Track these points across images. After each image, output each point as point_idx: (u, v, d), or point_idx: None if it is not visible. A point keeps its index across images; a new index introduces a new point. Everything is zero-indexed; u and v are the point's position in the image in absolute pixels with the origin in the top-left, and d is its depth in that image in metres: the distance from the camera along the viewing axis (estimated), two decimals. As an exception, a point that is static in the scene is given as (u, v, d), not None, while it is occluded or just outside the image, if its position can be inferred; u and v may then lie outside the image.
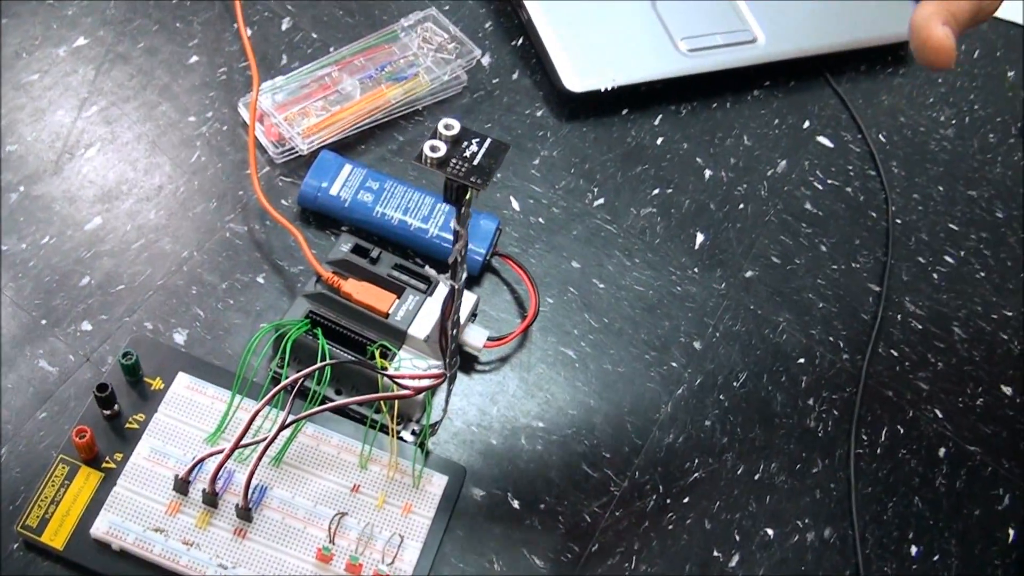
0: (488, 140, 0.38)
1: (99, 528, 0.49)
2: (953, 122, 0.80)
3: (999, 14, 0.90)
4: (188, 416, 0.53)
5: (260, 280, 0.60)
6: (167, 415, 0.53)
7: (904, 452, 0.61)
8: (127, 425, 0.52)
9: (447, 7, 0.73)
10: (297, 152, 0.64)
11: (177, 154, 0.63)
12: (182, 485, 0.50)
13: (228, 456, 0.49)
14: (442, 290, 0.58)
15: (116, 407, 0.52)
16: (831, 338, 0.65)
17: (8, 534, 0.50)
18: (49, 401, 0.54)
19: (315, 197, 0.62)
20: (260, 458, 0.49)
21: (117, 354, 0.53)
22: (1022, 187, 0.76)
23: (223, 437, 0.52)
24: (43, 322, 0.56)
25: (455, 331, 0.46)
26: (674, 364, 0.62)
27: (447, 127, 0.38)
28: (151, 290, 0.58)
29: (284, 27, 0.71)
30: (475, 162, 0.37)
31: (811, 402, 0.62)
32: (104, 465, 0.51)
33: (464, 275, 0.43)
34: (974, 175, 0.76)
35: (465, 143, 0.38)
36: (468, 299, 0.57)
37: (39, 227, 0.59)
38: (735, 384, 0.62)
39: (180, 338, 0.57)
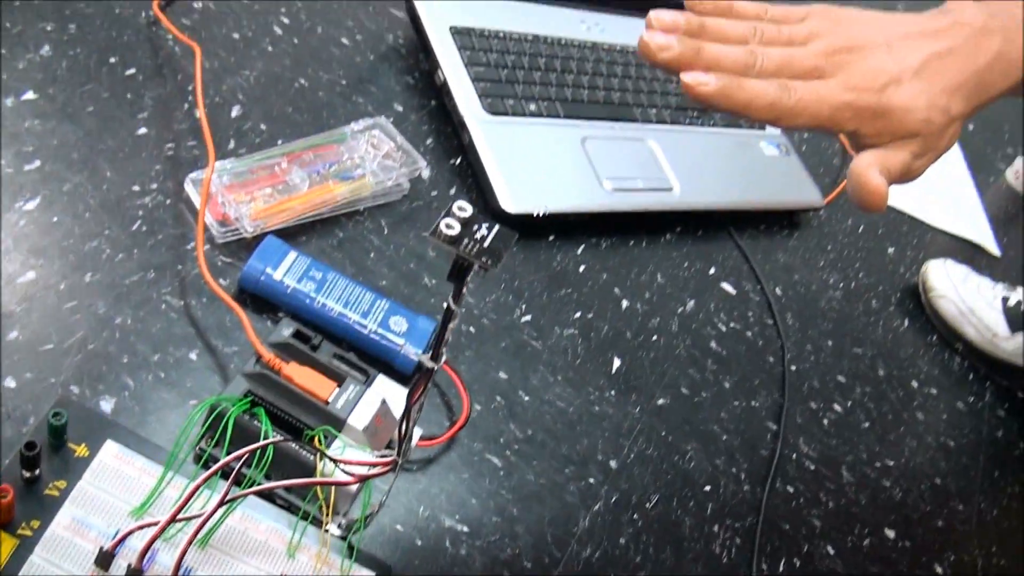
0: (497, 226, 0.40)
1: (5, 600, 0.46)
2: (840, 285, 0.88)
3: (894, 203, 1.00)
4: (114, 487, 0.50)
5: (192, 356, 0.58)
6: (91, 484, 0.50)
7: (798, 584, 0.65)
8: (47, 491, 0.49)
9: (391, 119, 0.76)
10: (241, 234, 0.64)
11: (119, 221, 0.62)
12: (105, 558, 0.47)
13: (161, 530, 0.47)
14: (381, 382, 0.58)
15: (37, 471, 0.49)
16: (734, 470, 0.69)
17: None
18: (-41, 458, 0.50)
19: (258, 280, 0.61)
20: (194, 536, 0.47)
21: (42, 414, 0.51)
22: (901, 351, 0.84)
23: (148, 512, 0.50)
24: (-41, 374, 0.53)
25: (418, 414, 0.47)
26: (591, 480, 0.63)
27: (461, 208, 0.40)
28: (80, 353, 0.56)
29: (234, 114, 0.72)
30: (485, 244, 0.39)
31: (716, 528, 0.65)
32: (19, 532, 0.48)
33: (444, 357, 0.44)
34: (859, 334, 0.84)
35: (476, 226, 0.40)
36: (402, 395, 0.58)
37: (-36, 276, 0.56)
38: (647, 505, 0.64)
39: (107, 406, 0.55)
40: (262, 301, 0.62)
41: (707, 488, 0.67)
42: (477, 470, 0.61)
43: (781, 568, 0.65)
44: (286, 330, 0.58)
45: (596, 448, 0.65)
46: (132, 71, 0.71)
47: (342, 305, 0.62)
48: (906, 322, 0.88)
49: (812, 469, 0.71)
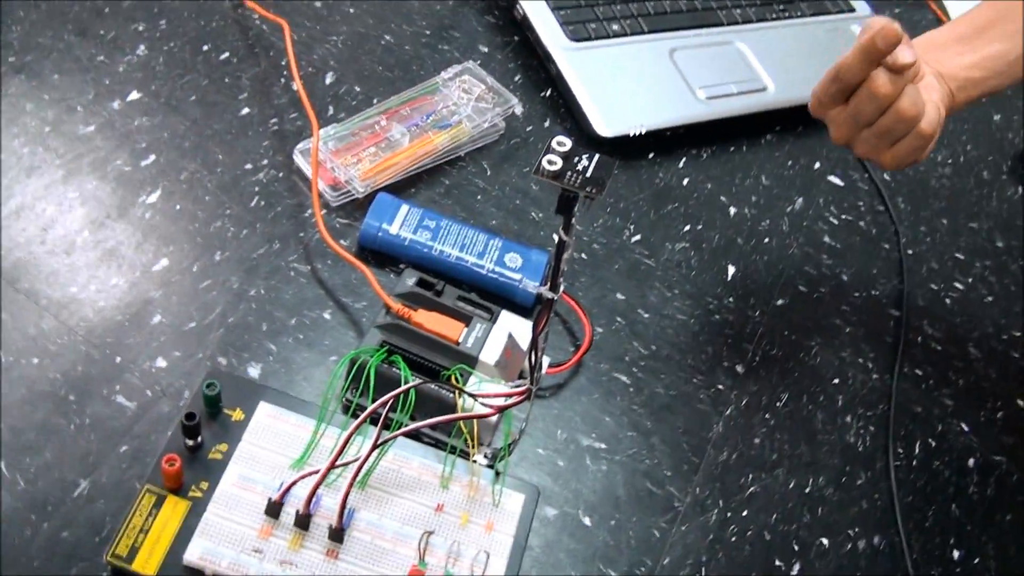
0: (597, 156, 0.42)
1: (192, 554, 0.50)
2: (949, 161, 0.85)
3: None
4: (273, 444, 0.55)
5: (327, 316, 0.62)
6: (252, 443, 0.54)
7: (937, 463, 0.65)
8: (210, 455, 0.54)
9: (479, 62, 0.77)
10: (353, 195, 0.67)
11: (237, 199, 0.66)
12: (274, 508, 0.51)
13: (323, 477, 0.50)
14: (505, 318, 0.61)
15: (199, 439, 0.54)
16: (860, 360, 0.69)
17: (96, 565, 0.51)
18: (128, 435, 0.55)
19: (375, 236, 0.64)
20: (355, 478, 0.51)
21: (195, 387, 0.55)
22: (1018, 219, 0.82)
23: (307, 463, 0.54)
24: (117, 359, 0.58)
25: (544, 343, 0.49)
26: (720, 387, 0.65)
27: (560, 143, 0.41)
28: (222, 327, 0.60)
29: (328, 81, 0.75)
30: (588, 174, 0.41)
31: (848, 419, 0.66)
32: (191, 494, 0.52)
33: (561, 287, 0.46)
34: (973, 209, 0.82)
35: (576, 158, 0.41)
36: (527, 327, 0.60)
37: (107, 269, 0.61)
38: (778, 404, 0.65)
39: (254, 372, 0.59)
40: (383, 256, 0.65)
41: (835, 381, 0.67)
42: (607, 389, 0.63)
43: (916, 450, 0.65)
44: (409, 280, 0.61)
45: (721, 355, 0.67)
46: (226, 55, 0.74)
47: (458, 249, 0.64)
48: (1020, 189, 0.86)
49: (939, 350, 0.71)
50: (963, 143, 0.88)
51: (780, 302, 0.71)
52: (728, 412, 0.64)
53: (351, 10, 0.81)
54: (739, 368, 0.66)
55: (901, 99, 0.56)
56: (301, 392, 0.58)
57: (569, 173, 0.41)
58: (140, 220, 0.64)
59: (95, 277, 0.60)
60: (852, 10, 0.93)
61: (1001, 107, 0.93)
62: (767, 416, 0.64)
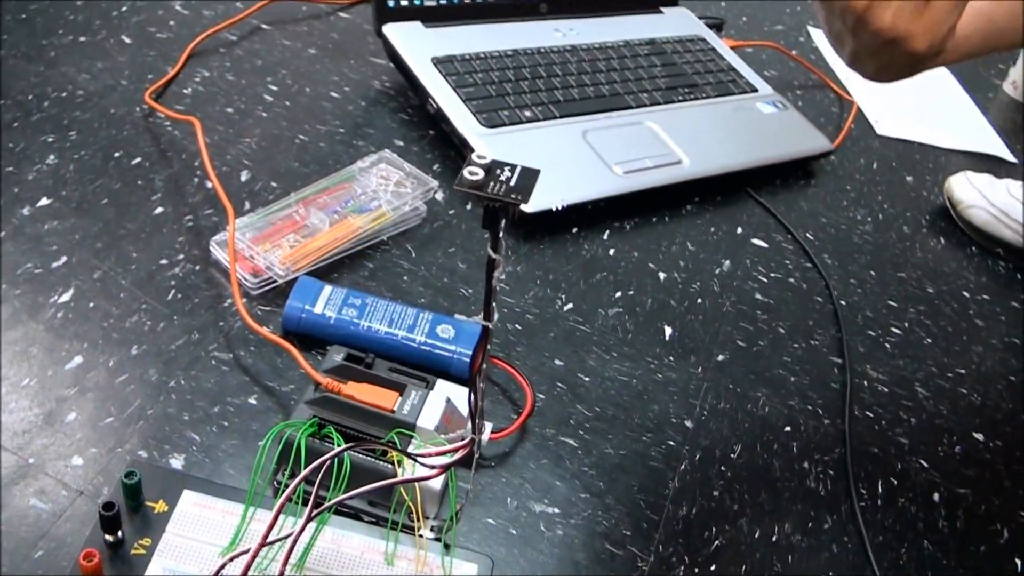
0: (519, 167, 0.41)
1: (112, 662, 0.45)
2: (869, 219, 0.87)
3: (890, 133, 1.01)
4: (200, 533, 0.50)
5: (252, 401, 0.59)
6: (177, 534, 0.50)
7: (903, 501, 0.63)
8: (133, 551, 0.49)
9: (395, 152, 0.77)
10: (274, 281, 0.64)
11: (153, 294, 0.63)
12: (205, 597, 0.47)
13: (255, 556, 0.46)
14: (442, 385, 0.58)
15: (120, 534, 0.49)
16: (809, 407, 0.67)
17: None
18: (44, 539, 0.50)
19: (299, 318, 0.62)
20: (289, 554, 0.46)
21: (115, 482, 0.51)
22: (945, 267, 0.83)
23: (237, 549, 0.49)
24: (31, 461, 0.53)
25: (483, 385, 0.47)
26: (671, 443, 0.62)
27: (479, 157, 0.40)
28: (141, 420, 0.56)
29: (243, 178, 0.74)
30: (511, 183, 0.40)
31: (806, 465, 0.63)
32: (112, 594, 0.47)
33: (495, 314, 0.44)
34: (899, 260, 0.83)
35: (498, 171, 0.40)
36: (463, 395, 0.57)
37: (18, 370, 0.57)
38: (732, 456, 0.63)
39: (178, 463, 0.54)
40: (308, 338, 0.62)
41: (787, 429, 0.66)
42: (555, 453, 0.60)
43: (880, 490, 0.63)
44: (337, 355, 0.58)
45: (668, 412, 0.65)
46: (138, 160, 0.73)
47: (387, 324, 0.62)
48: (942, 240, 0.87)
49: (886, 391, 0.70)
50: (879, 203, 0.90)
51: (721, 357, 0.70)
52: (682, 467, 0.61)
53: (264, 114, 0.81)
54: (688, 423, 0.64)
55: None
56: (229, 479, 0.54)
57: (492, 183, 0.40)
58: (52, 320, 0.60)
59: (6, 378, 0.56)
60: (755, 90, 0.96)
61: (912, 169, 0.96)
62: (723, 468, 0.62)
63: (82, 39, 0.83)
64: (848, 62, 0.58)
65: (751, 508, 0.60)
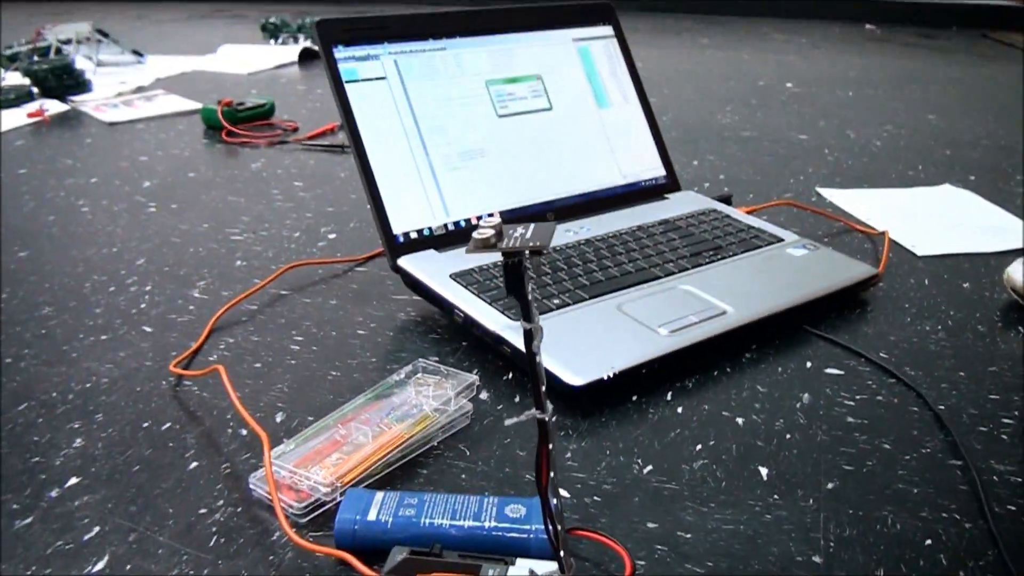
0: (532, 224, 0.37)
1: None
2: (939, 327, 0.81)
3: (932, 251, 0.97)
4: None
5: (316, 630, 0.51)
6: None
7: (1096, 591, 0.52)
8: None
9: (432, 358, 0.74)
10: (322, 503, 0.59)
11: (194, 543, 0.57)
12: None
13: None
14: (523, 562, 0.50)
15: None
16: (944, 514, 0.58)
17: None
18: None
19: (353, 530, 0.55)
20: None
21: None
22: (1035, 350, 0.76)
23: None
24: None
25: (552, 474, 0.40)
26: (803, 581, 0.53)
27: (488, 218, 0.37)
28: (192, 674, 0.48)
29: (279, 419, 0.70)
30: (527, 236, 0.36)
31: (962, 574, 0.54)
32: None
33: (550, 406, 0.38)
34: (985, 356, 0.76)
35: (511, 230, 0.37)
36: (546, 568, 0.50)
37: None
38: (877, 581, 0.53)
39: None
40: (366, 552, 0.55)
41: (928, 542, 0.56)
42: (672, 618, 0.51)
43: (1063, 579, 0.53)
44: (399, 554, 0.52)
45: (789, 551, 0.56)
46: (167, 425, 0.69)
47: (450, 517, 0.55)
48: (1020, 329, 0.81)
49: (1020, 481, 0.61)
50: (944, 311, 0.84)
51: (831, 485, 0.61)
52: (824, 603, 0.52)
53: (292, 361, 0.78)
54: (816, 558, 0.55)
55: None
56: None
57: (506, 240, 0.36)
58: (88, 591, 0.54)
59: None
60: (781, 240, 0.94)
61: (966, 276, 0.91)
62: (871, 595, 0.52)
63: (103, 337, 0.83)
64: None
65: (920, 631, 0.50)
